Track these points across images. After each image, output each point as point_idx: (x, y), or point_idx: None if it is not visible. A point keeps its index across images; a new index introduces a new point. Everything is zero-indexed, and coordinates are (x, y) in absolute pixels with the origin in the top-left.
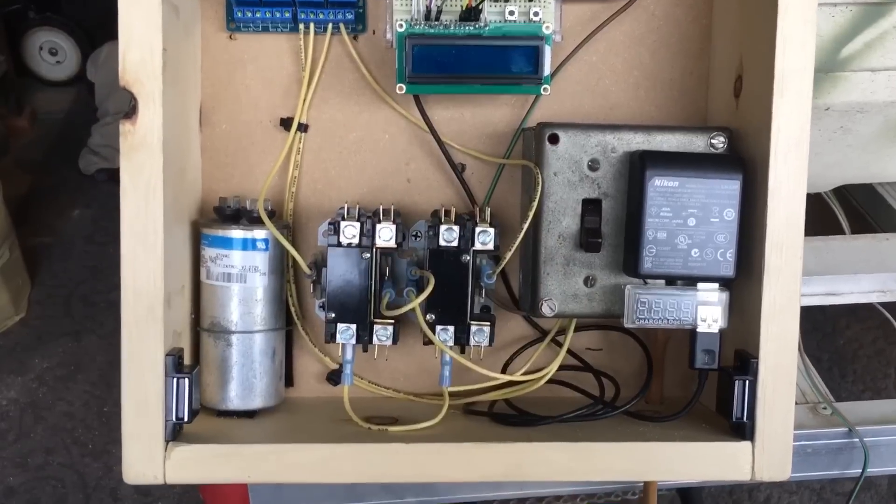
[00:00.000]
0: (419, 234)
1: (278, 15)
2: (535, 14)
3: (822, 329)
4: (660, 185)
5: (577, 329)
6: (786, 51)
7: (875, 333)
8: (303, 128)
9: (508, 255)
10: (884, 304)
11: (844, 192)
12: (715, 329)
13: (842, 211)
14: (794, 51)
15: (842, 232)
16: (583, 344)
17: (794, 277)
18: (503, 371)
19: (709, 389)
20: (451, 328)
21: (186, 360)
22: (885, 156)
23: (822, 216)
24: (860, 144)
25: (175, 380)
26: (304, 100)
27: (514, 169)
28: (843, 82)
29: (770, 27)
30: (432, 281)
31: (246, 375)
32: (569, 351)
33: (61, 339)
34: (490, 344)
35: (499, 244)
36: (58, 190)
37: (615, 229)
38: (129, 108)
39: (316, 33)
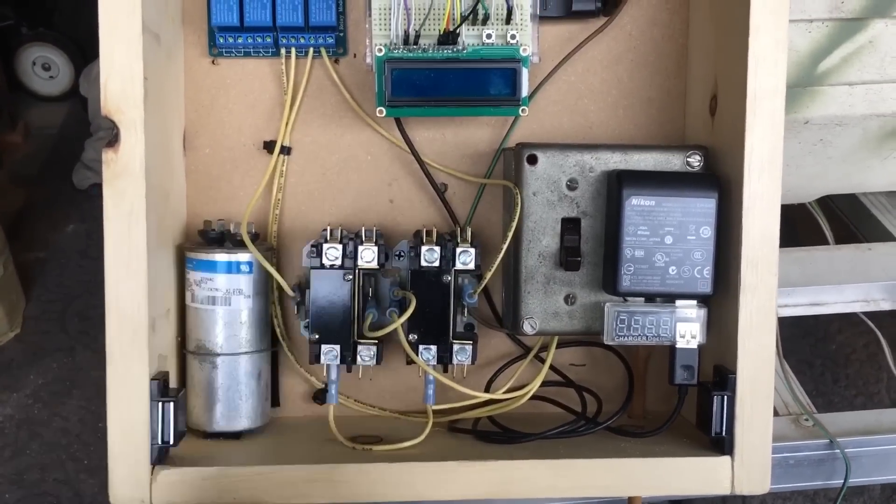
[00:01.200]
0: (402, 253)
1: (260, 40)
2: (513, 37)
3: (814, 334)
4: (637, 204)
5: (559, 345)
6: (758, 71)
7: (867, 338)
8: (286, 150)
9: (489, 274)
10: (868, 314)
11: (828, 202)
12: (693, 345)
13: (826, 221)
14: (767, 71)
15: (826, 242)
16: (566, 360)
17: (769, 294)
18: (487, 387)
19: (690, 403)
20: (434, 347)
21: (172, 383)
22: (866, 167)
23: (806, 226)
24: (841, 156)
25: (160, 404)
26: (287, 123)
27: (495, 188)
28: (821, 96)
29: (742, 47)
30: (414, 301)
31: (232, 397)
32: (552, 367)
33: (56, 355)
34: (472, 362)
35: (480, 263)
36: (52, 205)
37: (594, 247)
38: (112, 137)
39: (297, 57)
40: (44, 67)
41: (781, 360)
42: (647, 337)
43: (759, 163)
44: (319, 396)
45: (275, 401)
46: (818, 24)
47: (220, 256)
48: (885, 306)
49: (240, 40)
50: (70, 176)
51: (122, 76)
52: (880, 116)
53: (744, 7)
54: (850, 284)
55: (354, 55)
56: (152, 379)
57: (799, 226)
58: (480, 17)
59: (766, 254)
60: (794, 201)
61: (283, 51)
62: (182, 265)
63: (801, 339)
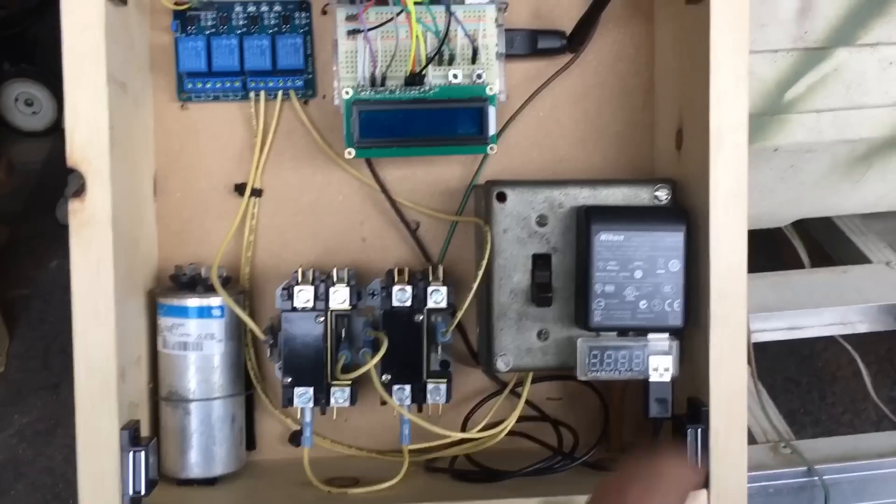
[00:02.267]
0: (375, 292)
1: (228, 84)
2: (479, 76)
3: (800, 352)
4: (605, 239)
5: (536, 380)
6: (720, 106)
7: (852, 355)
8: (257, 193)
9: (460, 313)
10: (846, 336)
11: (804, 226)
12: (667, 378)
13: (801, 244)
14: (729, 105)
15: (802, 265)
16: (542, 394)
17: (739, 325)
18: (464, 424)
19: (668, 434)
20: (408, 387)
21: (145, 430)
22: (838, 191)
23: (782, 250)
24: (812, 181)
25: (131, 453)
26: (257, 165)
27: (468, 224)
28: (789, 124)
29: (704, 83)
30: (385, 342)
31: (205, 443)
32: (528, 402)
33: (40, 393)
34: (447, 401)
35: (454, 301)
36: (35, 241)
37: (566, 283)
38: (78, 187)
39: (267, 100)
40: (26, 103)
41: (758, 387)
42: (620, 371)
43: (724, 196)
44: (295, 438)
45: (250, 444)
46: (783, 54)
47: (191, 301)
48: (862, 329)
49: (208, 85)
50: (54, 211)
51: (87, 126)
52: (848, 142)
53: (704, 44)
54: (826, 308)
55: (324, 96)
56: (122, 428)
57: (775, 250)
58: (446, 57)
59: (735, 285)
60: (770, 226)
61: (251, 94)
62: (153, 311)
63: (787, 358)
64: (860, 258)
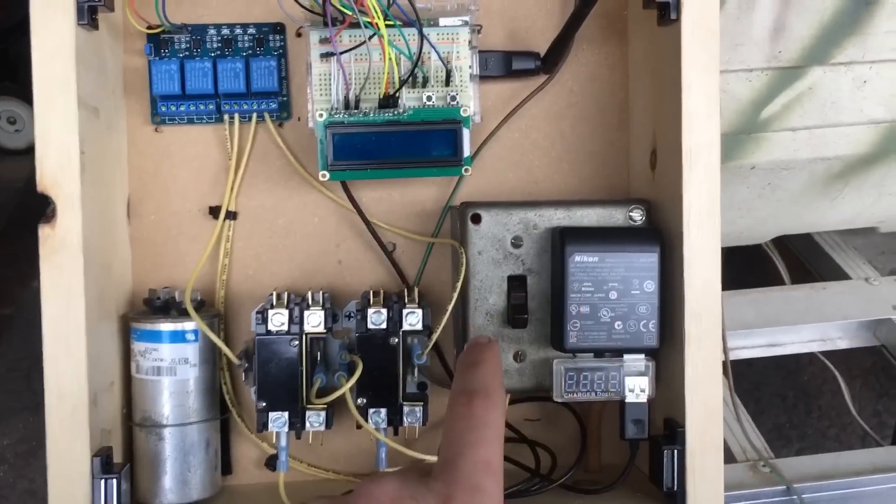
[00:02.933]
0: (351, 314)
1: (202, 107)
2: (453, 98)
3: (786, 366)
4: (580, 260)
5: (513, 401)
6: (692, 127)
7: (838, 368)
8: (231, 215)
9: (435, 336)
10: (826, 353)
11: (784, 242)
12: (643, 399)
13: (781, 260)
14: (700, 126)
15: (782, 281)
16: (520, 415)
17: (714, 346)
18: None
19: (647, 455)
20: (384, 410)
21: (118, 457)
22: (816, 208)
23: (762, 266)
24: (790, 198)
25: (103, 481)
26: (232, 187)
27: (444, 246)
28: (765, 142)
29: (675, 103)
30: (360, 366)
31: (180, 469)
32: (505, 423)
33: (22, 414)
34: (424, 424)
35: (429, 323)
36: (18, 260)
37: (542, 304)
38: (49, 212)
39: (241, 122)
40: (9, 121)
41: (736, 405)
42: (596, 392)
43: (697, 216)
44: (272, 462)
45: (227, 469)
46: (758, 73)
47: (165, 326)
48: (842, 345)
49: (182, 108)
50: (37, 230)
51: (58, 152)
52: (824, 160)
53: (675, 65)
54: (806, 325)
55: (299, 118)
56: (94, 455)
57: (756, 266)
58: (420, 79)
59: (709, 306)
60: (749, 242)
61: (226, 117)
62: (127, 335)
63: (774, 372)
64: (840, 274)
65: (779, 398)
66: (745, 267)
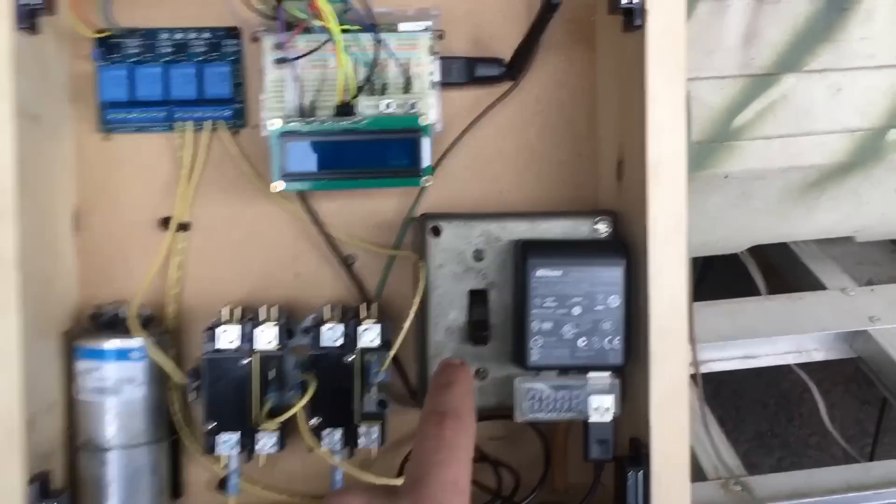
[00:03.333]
0: (309, 329)
1: (153, 115)
2: (412, 106)
3: (767, 374)
4: (542, 275)
5: (477, 419)
6: (657, 137)
7: (819, 375)
8: (184, 227)
9: (391, 353)
10: (804, 364)
11: (761, 251)
12: (608, 418)
13: (758, 270)
14: (666, 137)
15: (758, 291)
16: (484, 433)
17: (681, 364)
18: (402, 466)
19: (614, 475)
20: (339, 431)
21: (58, 482)
22: (792, 217)
23: (738, 276)
24: (765, 207)
25: None
26: (184, 198)
27: (406, 258)
28: (738, 151)
29: (641, 113)
30: (313, 385)
31: (126, 494)
32: None
33: None
34: (381, 444)
35: (390, 338)
36: None
37: (504, 319)
38: None
39: (194, 130)
40: None
41: (707, 421)
42: (559, 412)
43: (663, 230)
44: (223, 485)
45: (176, 492)
46: (730, 81)
47: (108, 344)
48: (818, 357)
49: (132, 115)
50: None
51: None
52: (799, 169)
53: (640, 73)
54: (782, 336)
55: (255, 126)
56: (31, 481)
57: (731, 276)
58: (378, 87)
59: (676, 322)
60: (724, 252)
61: (178, 124)
62: (70, 353)
63: (755, 379)
64: (816, 284)
65: (760, 406)
66: (721, 276)
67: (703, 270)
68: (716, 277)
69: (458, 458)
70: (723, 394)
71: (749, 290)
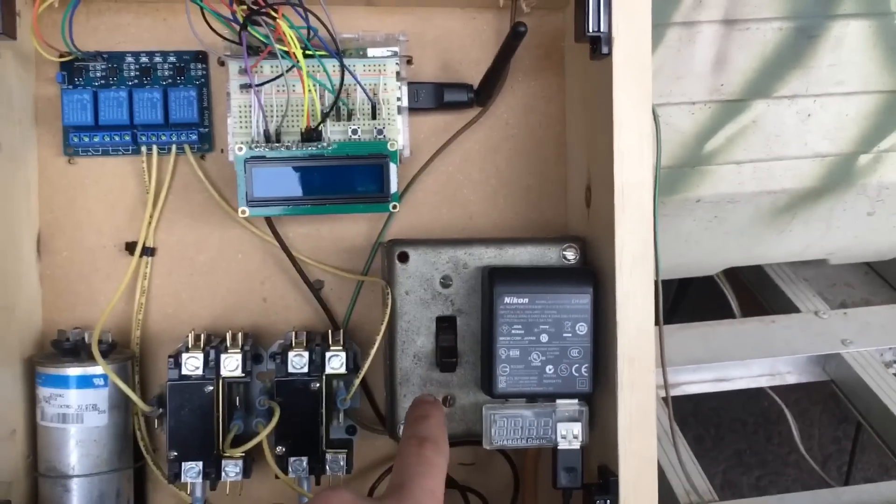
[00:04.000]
0: (276, 355)
1: (118, 138)
2: (380, 131)
3: (746, 393)
4: (509, 302)
5: None
6: (623, 164)
7: (798, 393)
8: (149, 251)
9: (357, 380)
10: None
11: (736, 273)
12: (576, 445)
13: (732, 292)
14: (632, 165)
15: (733, 312)
16: (454, 459)
17: (648, 391)
18: (371, 491)
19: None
20: (305, 459)
21: None
22: (764, 240)
23: (715, 297)
24: (737, 231)
25: None
26: (150, 222)
27: (375, 283)
28: (710, 175)
29: (608, 139)
30: (278, 412)
31: None
32: None
33: None
34: (348, 471)
35: (360, 364)
36: None
37: (472, 346)
38: None
39: (160, 154)
40: None
41: (678, 447)
42: (528, 439)
43: (630, 257)
44: None
45: None
46: (700, 106)
47: (71, 371)
48: (791, 379)
49: (96, 139)
50: None
51: None
52: (771, 193)
53: (607, 101)
54: (755, 360)
55: (222, 150)
56: None
57: (706, 298)
58: (345, 112)
59: (643, 350)
60: (699, 274)
61: (143, 148)
62: (32, 379)
63: (733, 397)
64: (790, 307)
65: (739, 424)
66: (698, 297)
67: (680, 291)
68: (693, 298)
69: (436, 473)
70: (701, 412)
71: (725, 311)
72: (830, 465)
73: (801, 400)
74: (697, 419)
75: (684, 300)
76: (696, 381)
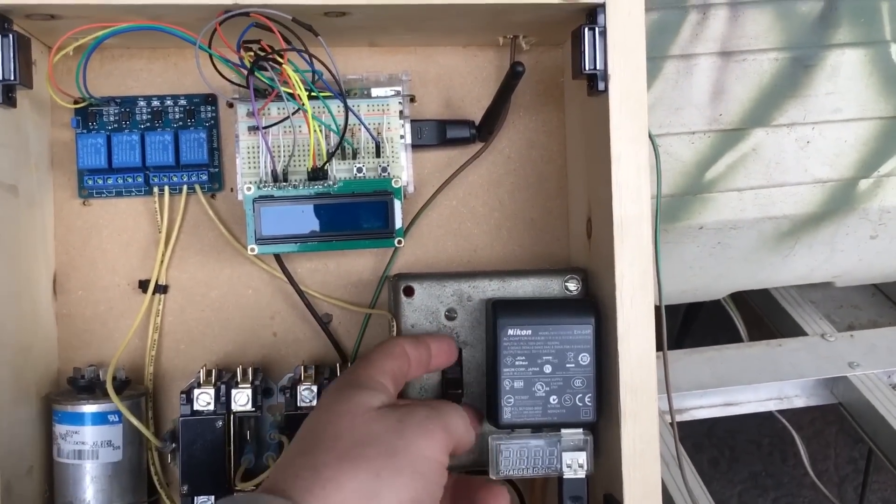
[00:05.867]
0: (286, 388)
1: (130, 180)
2: (384, 169)
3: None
4: (513, 334)
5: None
6: (622, 197)
7: (812, 414)
8: (162, 289)
9: None
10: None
11: (742, 296)
12: (581, 474)
13: (739, 316)
14: (630, 198)
15: (740, 336)
16: None
17: (651, 421)
18: None
19: None
20: None
21: None
22: (769, 264)
23: (723, 321)
24: (741, 256)
25: None
26: (162, 261)
27: (383, 315)
28: (712, 203)
29: (606, 173)
30: (287, 446)
31: None
32: None
33: None
34: None
35: None
36: None
37: (478, 378)
38: None
39: (171, 194)
40: None
41: (684, 471)
42: (534, 469)
43: (630, 289)
44: None
45: None
46: (700, 136)
47: (86, 408)
48: (799, 403)
49: (109, 181)
50: None
51: None
52: (772, 219)
53: (605, 135)
54: (762, 384)
55: (231, 189)
56: None
57: (713, 322)
58: (350, 151)
59: (645, 380)
60: (704, 299)
61: (155, 189)
62: (49, 417)
63: (749, 419)
64: (797, 330)
65: (754, 446)
66: (707, 321)
67: (690, 315)
68: (704, 321)
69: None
70: (716, 434)
71: (732, 334)
72: (847, 486)
73: (815, 420)
74: (712, 441)
75: (695, 322)
76: (705, 405)
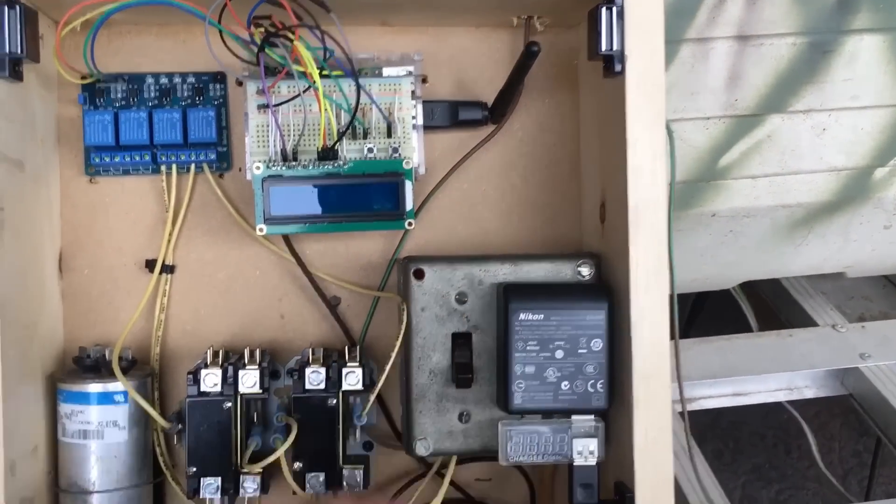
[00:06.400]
0: (293, 371)
1: (138, 158)
2: (395, 150)
3: (764, 406)
4: (524, 318)
5: (463, 460)
6: (637, 182)
7: (817, 407)
8: (169, 269)
9: (373, 396)
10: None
11: (753, 286)
12: (592, 462)
13: (749, 306)
14: (646, 183)
15: (750, 326)
16: (471, 475)
17: (663, 409)
18: None
19: None
20: (322, 474)
21: None
22: (781, 254)
23: (730, 312)
24: (754, 245)
25: None
26: (169, 241)
27: (391, 299)
28: (725, 190)
29: (622, 158)
30: (294, 429)
31: None
32: (455, 483)
33: None
34: (365, 487)
35: (376, 380)
36: None
37: (487, 362)
38: None
39: (179, 173)
40: None
41: (694, 461)
42: (543, 455)
43: (644, 275)
44: None
45: None
46: (714, 122)
47: (92, 387)
48: (809, 394)
49: (117, 159)
50: None
51: None
52: (786, 207)
53: (621, 119)
54: (772, 374)
55: (240, 169)
56: None
57: (723, 312)
58: (361, 131)
59: (658, 367)
60: (715, 288)
61: (163, 168)
62: (53, 396)
63: (753, 411)
64: (807, 320)
65: (758, 438)
66: (716, 311)
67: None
68: (710, 312)
69: None
70: (720, 426)
71: (742, 324)
72: (851, 478)
73: (821, 413)
74: (716, 433)
75: (701, 313)
76: (714, 395)
